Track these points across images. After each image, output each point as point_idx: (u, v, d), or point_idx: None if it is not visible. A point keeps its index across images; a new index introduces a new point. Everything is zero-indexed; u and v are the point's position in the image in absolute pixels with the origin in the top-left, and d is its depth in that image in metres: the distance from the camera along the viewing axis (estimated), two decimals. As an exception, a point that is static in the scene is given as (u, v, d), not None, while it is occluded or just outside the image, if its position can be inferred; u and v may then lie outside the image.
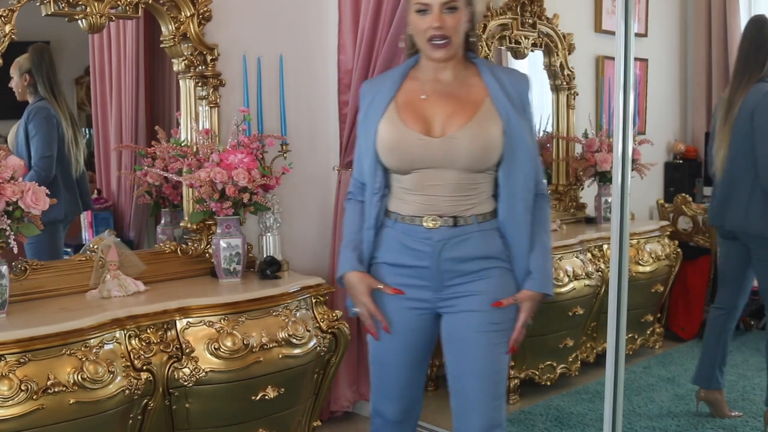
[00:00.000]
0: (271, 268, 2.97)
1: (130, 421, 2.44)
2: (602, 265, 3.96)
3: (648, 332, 4.50)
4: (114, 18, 2.81)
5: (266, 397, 2.68)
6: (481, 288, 2.07)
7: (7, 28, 2.53)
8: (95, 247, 2.82)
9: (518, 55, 4.26)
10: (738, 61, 3.33)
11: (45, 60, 2.93)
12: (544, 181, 2.18)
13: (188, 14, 2.94)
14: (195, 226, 3.03)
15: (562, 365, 3.93)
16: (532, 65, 4.51)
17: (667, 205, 5.04)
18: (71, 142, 2.99)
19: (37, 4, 2.64)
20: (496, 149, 2.04)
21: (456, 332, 2.10)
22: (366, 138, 2.13)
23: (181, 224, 3.10)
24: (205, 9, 2.98)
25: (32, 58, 2.90)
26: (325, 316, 2.90)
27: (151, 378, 2.46)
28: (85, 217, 3.13)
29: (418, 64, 2.15)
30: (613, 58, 4.29)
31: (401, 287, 2.11)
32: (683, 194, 4.91)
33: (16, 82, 2.91)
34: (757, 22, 3.35)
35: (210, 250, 3.03)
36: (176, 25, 2.94)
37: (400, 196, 2.11)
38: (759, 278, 3.39)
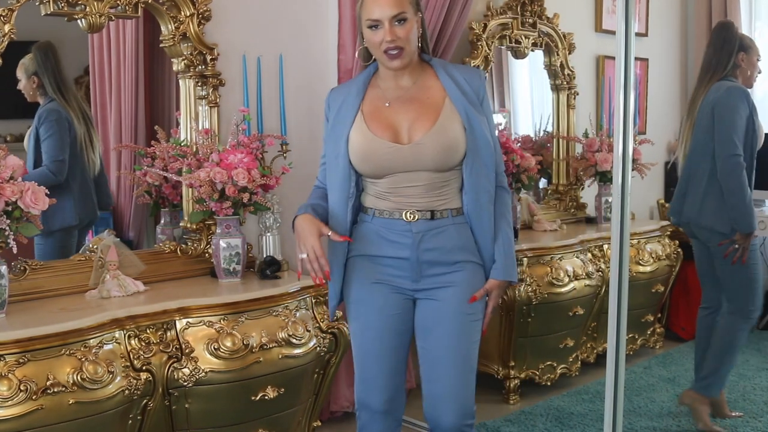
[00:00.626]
0: (270, 268, 2.97)
1: (130, 422, 2.44)
2: (602, 265, 3.96)
3: (648, 332, 4.50)
4: (113, 18, 2.81)
5: (266, 398, 2.68)
6: (457, 279, 2.19)
7: (7, 27, 2.53)
8: (95, 247, 2.81)
9: (518, 54, 4.26)
10: (703, 62, 3.42)
11: (50, 59, 2.91)
12: (504, 174, 2.33)
13: (188, 14, 2.94)
14: (195, 226, 3.03)
15: (563, 365, 3.92)
16: (533, 65, 4.51)
17: (667, 204, 5.03)
18: (85, 141, 2.97)
19: (37, 3, 2.64)
20: (461, 147, 2.15)
21: (432, 321, 2.20)
22: (336, 146, 2.21)
23: (180, 224, 3.10)
24: (205, 9, 2.98)
25: (36, 58, 2.89)
26: (325, 316, 2.90)
27: (150, 378, 2.46)
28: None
29: (377, 72, 2.25)
30: (613, 58, 4.31)
31: (381, 276, 2.20)
32: (683, 194, 4.91)
33: (24, 85, 2.90)
34: (724, 25, 3.44)
35: (210, 250, 3.02)
36: (176, 24, 2.94)
37: (376, 195, 2.21)
38: (718, 271, 3.39)
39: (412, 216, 2.16)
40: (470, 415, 2.18)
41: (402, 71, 2.18)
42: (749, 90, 3.32)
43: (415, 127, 2.14)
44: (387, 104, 2.19)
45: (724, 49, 3.33)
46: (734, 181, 3.16)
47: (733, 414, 3.54)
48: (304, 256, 2.14)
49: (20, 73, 2.89)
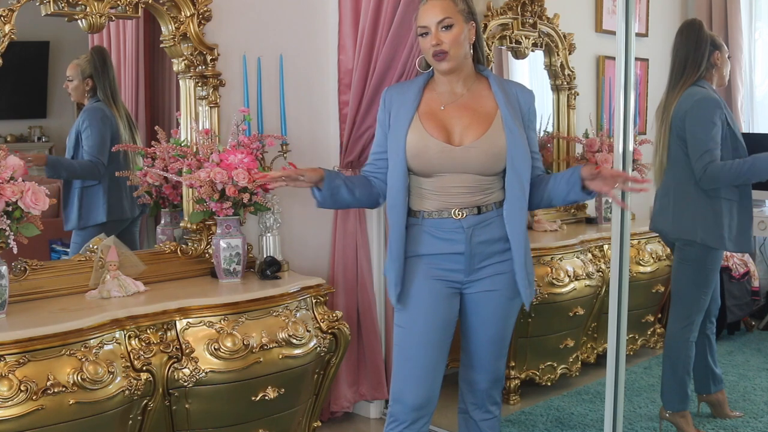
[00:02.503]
0: (271, 269, 2.97)
1: (130, 422, 2.44)
2: (603, 266, 3.96)
3: (648, 332, 4.50)
4: (114, 18, 2.81)
5: (266, 398, 2.68)
6: (506, 268, 2.35)
7: (7, 28, 2.53)
8: (95, 247, 2.81)
9: (519, 55, 4.26)
10: (674, 64, 3.24)
11: (107, 64, 2.98)
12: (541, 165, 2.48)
13: (188, 14, 2.94)
14: (195, 227, 3.03)
15: (563, 366, 3.92)
16: (533, 65, 4.51)
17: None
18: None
19: (37, 4, 2.64)
20: (504, 158, 2.31)
21: (484, 309, 2.37)
22: (396, 144, 2.34)
23: (181, 224, 3.10)
24: (205, 9, 2.98)
25: (93, 62, 2.96)
26: (326, 317, 2.90)
27: (150, 378, 2.46)
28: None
29: (433, 77, 2.41)
30: (613, 58, 4.30)
31: (436, 272, 2.33)
32: (684, 194, 4.88)
33: (75, 85, 2.96)
34: (692, 24, 3.26)
35: (210, 251, 3.02)
36: (176, 25, 2.94)
37: (423, 196, 2.35)
38: (673, 278, 3.30)
39: (460, 213, 2.30)
40: (500, 379, 2.49)
41: (456, 77, 2.34)
42: (719, 98, 3.13)
43: (467, 132, 2.30)
44: (442, 107, 2.34)
45: (698, 50, 3.17)
46: (723, 179, 3.04)
47: (734, 414, 3.54)
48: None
49: (73, 73, 2.96)
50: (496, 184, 2.34)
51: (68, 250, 2.99)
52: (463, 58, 2.32)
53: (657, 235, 4.41)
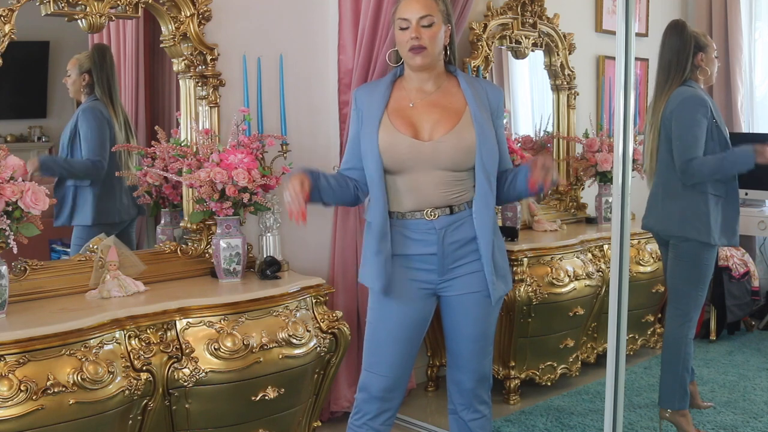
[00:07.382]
0: (271, 269, 2.97)
1: (130, 422, 2.44)
2: (603, 266, 3.96)
3: (649, 332, 4.50)
4: (114, 18, 2.81)
5: (266, 398, 2.68)
6: (478, 267, 2.35)
7: (7, 27, 2.53)
8: (95, 247, 2.81)
9: (519, 54, 4.26)
10: (660, 66, 3.27)
11: (107, 61, 2.98)
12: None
13: (188, 14, 2.94)
14: (195, 226, 3.03)
15: (563, 366, 3.92)
16: (533, 65, 4.51)
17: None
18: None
19: (37, 3, 2.64)
20: (474, 152, 2.32)
21: (457, 308, 2.39)
22: (370, 141, 2.34)
23: (181, 224, 3.10)
24: (205, 9, 2.98)
25: (93, 57, 2.95)
26: (326, 317, 2.90)
27: (150, 378, 2.46)
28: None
29: (402, 75, 2.43)
30: (613, 58, 4.30)
31: (410, 273, 2.34)
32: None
33: (73, 80, 2.96)
34: (677, 26, 3.28)
35: (210, 250, 3.02)
36: (176, 25, 2.94)
37: (395, 197, 2.36)
38: (669, 276, 3.30)
39: (432, 214, 2.32)
40: (487, 378, 2.48)
41: (427, 75, 2.36)
42: (706, 97, 3.16)
43: (436, 127, 2.32)
44: (411, 105, 2.36)
45: (682, 52, 3.20)
46: (705, 174, 3.08)
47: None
48: (288, 198, 2.26)
49: (72, 68, 2.95)
50: (467, 182, 2.35)
51: (68, 250, 2.99)
52: (437, 57, 2.34)
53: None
